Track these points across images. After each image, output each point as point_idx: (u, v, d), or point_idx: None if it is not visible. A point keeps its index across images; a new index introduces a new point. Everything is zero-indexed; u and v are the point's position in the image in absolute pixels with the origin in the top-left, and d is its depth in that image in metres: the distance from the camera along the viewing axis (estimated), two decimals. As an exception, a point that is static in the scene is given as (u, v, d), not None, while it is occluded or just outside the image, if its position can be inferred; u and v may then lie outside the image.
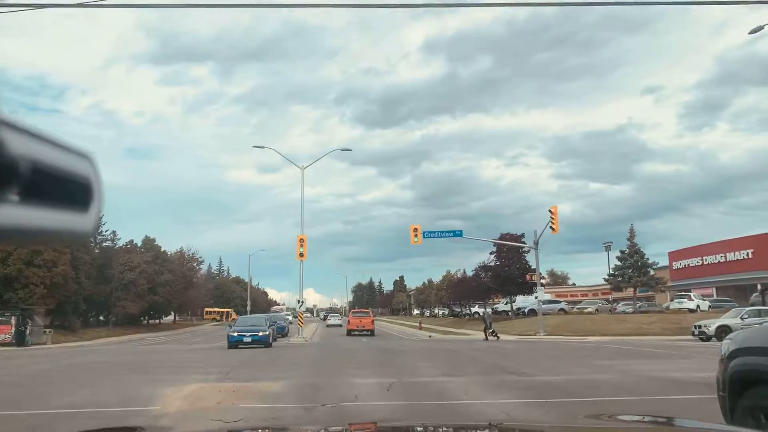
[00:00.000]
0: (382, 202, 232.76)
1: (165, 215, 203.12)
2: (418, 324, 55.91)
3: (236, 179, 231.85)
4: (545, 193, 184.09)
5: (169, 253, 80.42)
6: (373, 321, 45.10)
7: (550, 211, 33.19)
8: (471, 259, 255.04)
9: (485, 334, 34.27)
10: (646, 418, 2.79)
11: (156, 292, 66.20)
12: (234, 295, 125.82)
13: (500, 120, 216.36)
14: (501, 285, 49.84)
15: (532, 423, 4.58)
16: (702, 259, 54.55)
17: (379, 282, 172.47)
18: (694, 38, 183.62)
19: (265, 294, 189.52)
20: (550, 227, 33.12)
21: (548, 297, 59.47)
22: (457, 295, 58.47)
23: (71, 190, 0.63)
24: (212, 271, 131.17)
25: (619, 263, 47.18)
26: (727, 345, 4.38)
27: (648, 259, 46.37)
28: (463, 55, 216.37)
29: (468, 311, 71.40)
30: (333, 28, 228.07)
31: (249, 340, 25.26)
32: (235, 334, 25.46)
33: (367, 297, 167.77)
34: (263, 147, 38.51)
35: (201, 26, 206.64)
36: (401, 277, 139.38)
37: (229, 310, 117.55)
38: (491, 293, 53.30)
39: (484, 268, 52.33)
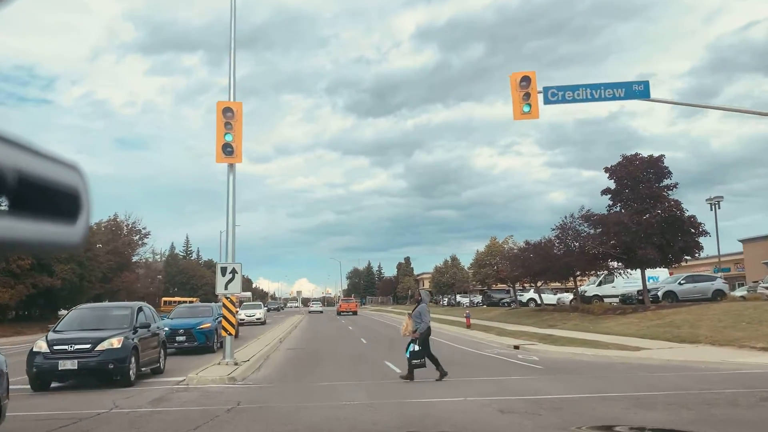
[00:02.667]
0: (374, 191, 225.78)
1: (156, 205, 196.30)
2: (464, 319, 33.10)
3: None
4: (538, 181, 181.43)
5: (93, 222, 56.95)
6: (356, 305, 68.05)
7: None
8: (464, 248, 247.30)
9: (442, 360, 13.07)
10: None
11: (51, 271, 43.21)
12: (203, 282, 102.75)
13: (493, 108, 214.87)
14: (627, 248, 27.00)
15: None
16: None
17: (379, 267, 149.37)
18: (687, 25, 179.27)
19: (249, 281, 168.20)
20: None
21: (664, 274, 36.94)
22: (526, 271, 35.60)
23: (58, 201, 0.62)
24: (176, 252, 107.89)
25: None
26: None
27: None
28: (455, 43, 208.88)
29: (518, 297, 48.68)
30: (324, 17, 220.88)
31: None
32: None
33: (364, 284, 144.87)
34: None
35: (190, 15, 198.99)
36: (407, 259, 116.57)
37: (195, 299, 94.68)
38: (595, 265, 30.47)
39: (587, 218, 29.38)
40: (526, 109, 14.11)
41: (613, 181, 28.49)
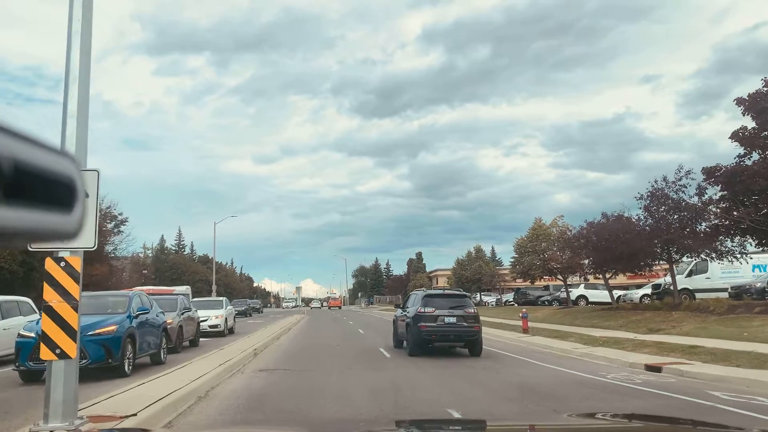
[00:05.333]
0: (379, 192, 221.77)
1: (162, 206, 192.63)
2: (512, 321, 24.12)
3: (234, 170, 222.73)
4: (543, 182, 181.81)
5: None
6: (342, 300, 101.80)
7: None
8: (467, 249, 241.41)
9: None
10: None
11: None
12: (196, 278, 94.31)
13: (498, 109, 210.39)
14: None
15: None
16: None
17: (387, 264, 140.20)
18: (694, 26, 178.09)
19: (250, 279, 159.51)
20: None
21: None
22: (599, 256, 26.48)
23: (54, 190, 0.60)
24: (167, 246, 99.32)
25: None
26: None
27: None
28: (461, 45, 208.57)
29: (562, 293, 39.74)
30: (330, 18, 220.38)
31: None
32: None
33: (371, 282, 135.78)
34: None
35: (197, 16, 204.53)
36: (418, 255, 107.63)
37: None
38: (710, 243, 21.42)
39: (710, 173, 20.36)
40: None
41: (750, 117, 19.38)
